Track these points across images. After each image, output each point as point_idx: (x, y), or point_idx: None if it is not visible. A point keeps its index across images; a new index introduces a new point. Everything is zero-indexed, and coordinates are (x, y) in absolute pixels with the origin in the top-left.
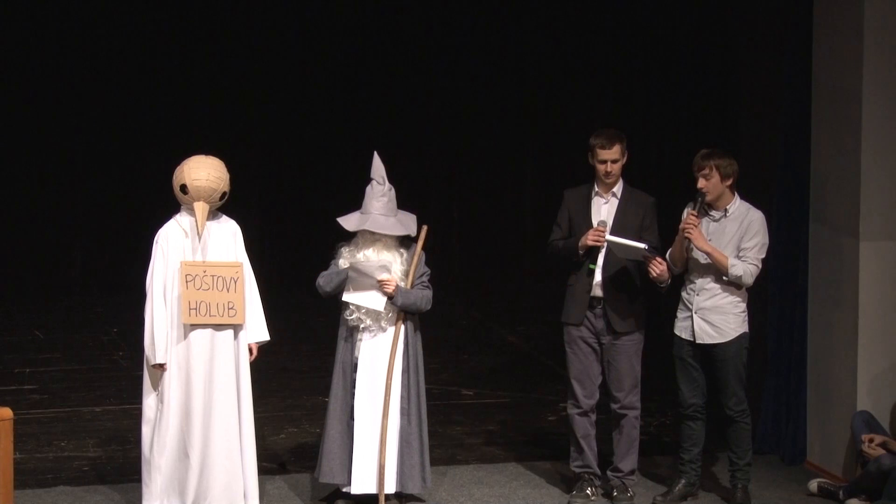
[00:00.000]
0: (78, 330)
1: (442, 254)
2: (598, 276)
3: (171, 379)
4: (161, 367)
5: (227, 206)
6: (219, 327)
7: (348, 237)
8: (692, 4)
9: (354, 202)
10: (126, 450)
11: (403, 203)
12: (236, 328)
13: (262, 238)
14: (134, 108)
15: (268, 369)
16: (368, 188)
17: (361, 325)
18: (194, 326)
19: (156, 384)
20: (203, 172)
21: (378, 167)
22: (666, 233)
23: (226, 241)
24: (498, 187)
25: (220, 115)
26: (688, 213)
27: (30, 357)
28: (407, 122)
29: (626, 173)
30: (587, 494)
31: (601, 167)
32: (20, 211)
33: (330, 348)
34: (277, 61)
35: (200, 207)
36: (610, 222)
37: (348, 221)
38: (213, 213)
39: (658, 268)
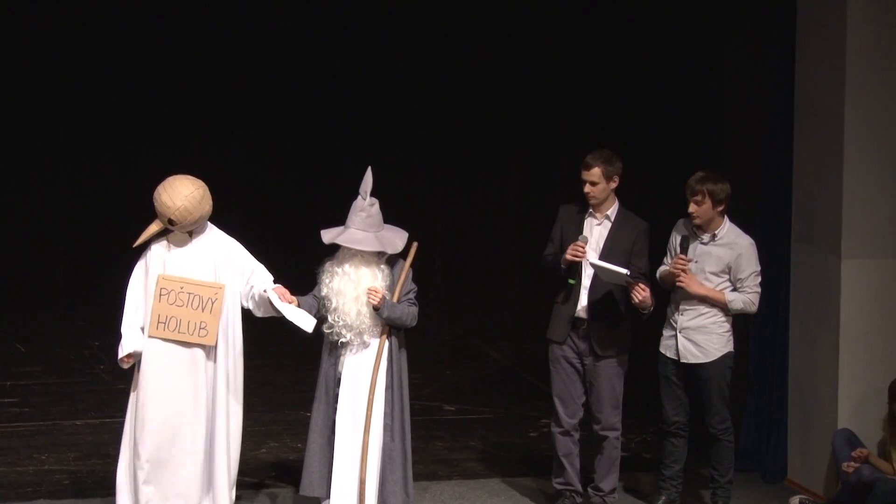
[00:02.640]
0: (59, 343)
1: (425, 269)
2: (583, 299)
3: (142, 390)
4: (129, 358)
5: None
6: (192, 345)
7: (333, 251)
8: (675, 22)
9: (343, 216)
10: (106, 463)
11: (388, 217)
12: (211, 349)
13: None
14: (117, 122)
15: (250, 384)
16: (354, 202)
17: (341, 341)
18: (166, 342)
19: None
20: (171, 201)
21: (366, 182)
22: (656, 251)
23: (213, 259)
24: (481, 202)
25: (207, 129)
26: (676, 258)
27: (11, 370)
28: (392, 137)
29: (619, 193)
30: None
31: (583, 188)
32: (2, 224)
33: (314, 363)
34: (265, 74)
35: (154, 224)
36: (601, 245)
37: (327, 234)
38: (200, 230)
39: (640, 294)
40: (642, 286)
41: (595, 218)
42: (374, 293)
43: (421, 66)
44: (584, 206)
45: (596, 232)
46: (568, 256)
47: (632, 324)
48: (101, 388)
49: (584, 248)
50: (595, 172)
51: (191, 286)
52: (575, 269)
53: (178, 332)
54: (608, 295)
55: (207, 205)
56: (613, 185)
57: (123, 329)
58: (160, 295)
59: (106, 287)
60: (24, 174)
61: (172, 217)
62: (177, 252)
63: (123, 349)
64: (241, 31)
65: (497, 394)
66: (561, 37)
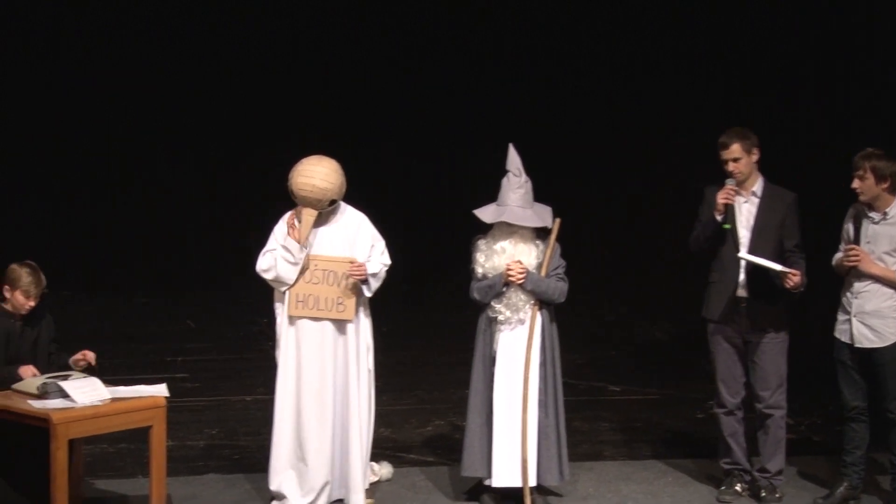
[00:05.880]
0: (228, 320)
1: (587, 249)
2: (741, 277)
3: (284, 371)
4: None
5: (362, 197)
6: (331, 322)
7: (485, 230)
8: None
9: (490, 195)
10: (272, 439)
11: (545, 196)
12: (347, 324)
13: (404, 233)
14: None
15: (415, 362)
16: (505, 180)
17: (498, 318)
18: (303, 320)
19: (288, 368)
20: (309, 182)
21: (514, 159)
22: (812, 226)
23: (344, 237)
24: (645, 179)
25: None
26: (847, 247)
27: (181, 346)
28: (545, 116)
29: (766, 170)
30: (736, 491)
31: (725, 166)
32: (179, 209)
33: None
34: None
35: (307, 214)
36: (751, 222)
37: (485, 213)
38: (332, 212)
39: (792, 280)
40: (793, 272)
41: (741, 195)
42: (514, 271)
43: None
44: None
45: (745, 209)
46: (720, 200)
47: (789, 301)
48: (269, 364)
49: (734, 190)
50: (735, 149)
51: (325, 262)
52: (730, 213)
53: (317, 309)
54: (766, 271)
55: (336, 190)
56: (755, 157)
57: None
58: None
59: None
60: (210, 158)
61: (336, 197)
62: (314, 230)
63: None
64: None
65: (662, 374)
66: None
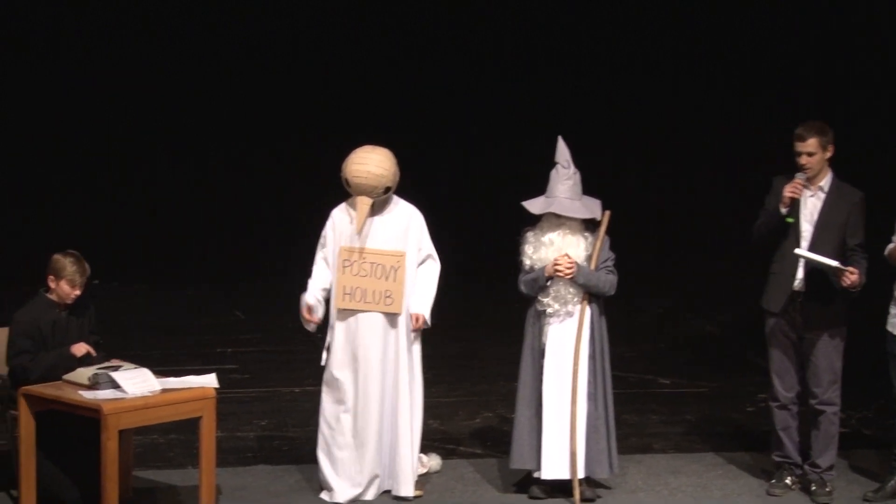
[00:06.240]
0: (277, 312)
1: (638, 241)
2: (801, 272)
3: (333, 362)
4: (308, 312)
5: (414, 191)
6: (379, 314)
7: (534, 222)
8: None
9: (539, 188)
10: (321, 431)
11: (596, 189)
12: (395, 317)
13: (453, 225)
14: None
15: (463, 354)
16: (553, 172)
17: (547, 311)
18: (352, 312)
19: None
20: (364, 168)
21: (562, 151)
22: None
23: (395, 229)
24: (700, 170)
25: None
26: None
27: (231, 338)
28: (594, 108)
29: (835, 165)
30: (787, 484)
31: (798, 159)
32: (230, 200)
33: (522, 334)
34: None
35: (361, 203)
36: (815, 217)
37: (533, 205)
38: (385, 202)
39: (849, 279)
40: (851, 270)
41: (809, 189)
42: (562, 266)
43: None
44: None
45: (810, 203)
46: (787, 193)
47: (848, 296)
48: (319, 355)
49: (802, 184)
50: (811, 143)
51: (372, 255)
52: (795, 207)
53: (364, 302)
54: (824, 268)
55: (391, 178)
56: (828, 154)
57: (310, 281)
58: (343, 266)
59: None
60: (240, 151)
61: (391, 184)
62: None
63: (302, 305)
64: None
65: (712, 368)
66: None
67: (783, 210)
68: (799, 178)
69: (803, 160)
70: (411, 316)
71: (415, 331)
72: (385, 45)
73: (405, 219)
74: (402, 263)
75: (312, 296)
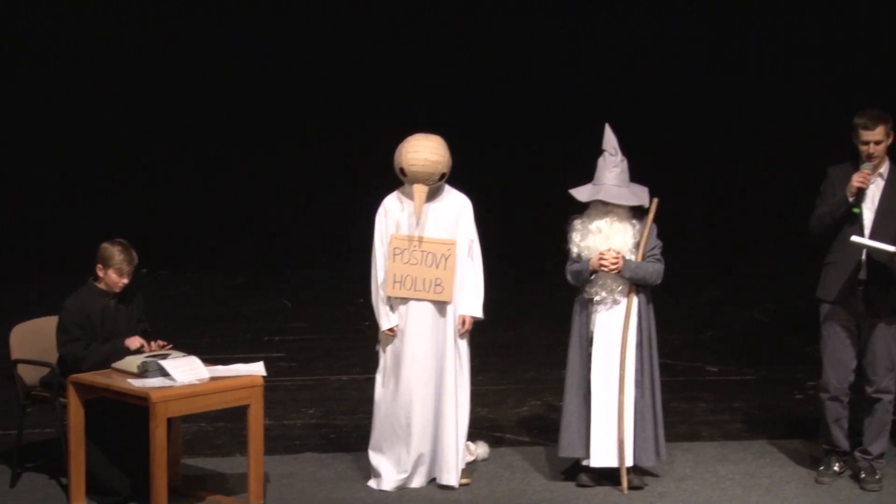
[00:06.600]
0: (323, 300)
1: (686, 229)
2: (863, 259)
3: (384, 349)
4: (391, 331)
5: (463, 179)
6: (429, 302)
7: (581, 210)
8: None
9: (586, 176)
10: (372, 418)
11: (643, 178)
12: (445, 305)
13: (501, 213)
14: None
15: (511, 343)
16: (601, 159)
17: (595, 299)
18: (403, 300)
19: (387, 349)
20: (420, 156)
21: (610, 138)
22: None
23: (447, 217)
24: (748, 158)
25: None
26: None
27: (278, 326)
28: (640, 97)
29: (893, 153)
30: (835, 471)
31: (864, 148)
32: (277, 190)
33: (569, 323)
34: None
35: (418, 191)
36: (876, 202)
37: (581, 193)
38: (438, 190)
39: None
40: None
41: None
42: (608, 261)
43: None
44: (853, 165)
45: (870, 191)
46: (855, 183)
47: None
48: (366, 344)
49: (870, 174)
50: (879, 131)
51: (423, 244)
52: (860, 198)
53: (415, 290)
54: (882, 255)
55: (446, 164)
56: (891, 140)
57: (374, 303)
58: (394, 255)
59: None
60: (277, 140)
61: (446, 171)
62: (411, 213)
63: (381, 322)
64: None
65: (760, 355)
66: None
67: (851, 200)
68: (866, 168)
69: (871, 149)
70: (458, 318)
71: (462, 336)
72: (432, 32)
73: (456, 207)
74: (452, 252)
75: (387, 321)
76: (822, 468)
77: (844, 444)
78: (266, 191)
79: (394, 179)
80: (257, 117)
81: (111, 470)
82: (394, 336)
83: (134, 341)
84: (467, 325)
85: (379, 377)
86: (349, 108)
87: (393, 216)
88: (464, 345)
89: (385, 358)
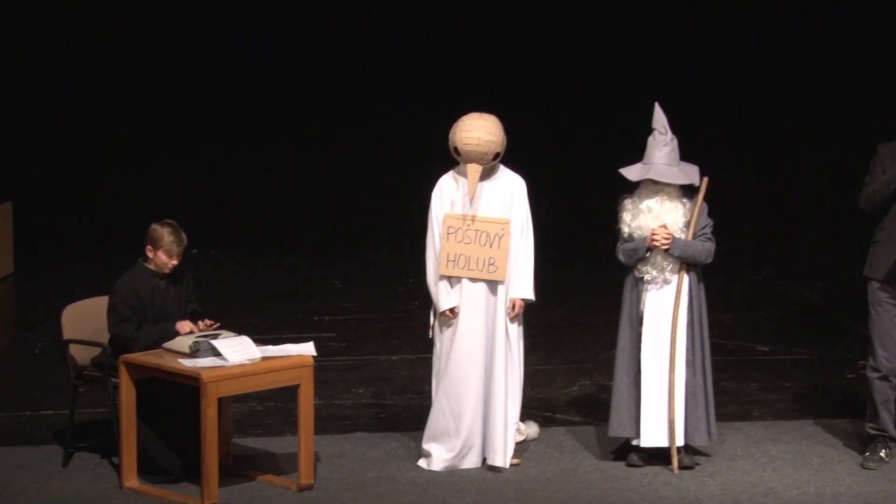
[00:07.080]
0: (374, 280)
1: (737, 208)
2: None
3: (436, 328)
4: (450, 312)
5: (515, 158)
6: (484, 282)
7: (632, 189)
8: None
9: (636, 155)
10: (422, 398)
11: (693, 156)
12: (498, 284)
13: (552, 193)
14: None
15: (561, 322)
16: (651, 138)
17: (645, 278)
18: (456, 279)
19: (443, 329)
20: (474, 135)
21: (659, 117)
22: None
23: (501, 197)
24: (799, 138)
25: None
26: None
27: (328, 306)
28: (692, 75)
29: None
30: (881, 457)
31: None
32: (326, 170)
33: (619, 303)
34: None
35: (472, 170)
36: None
37: (631, 172)
38: (492, 169)
39: None
40: None
41: None
42: (659, 237)
43: None
44: None
45: None
46: None
47: None
48: (416, 324)
49: None
50: None
51: (478, 223)
52: None
53: (468, 269)
54: None
55: (500, 143)
56: None
57: (436, 280)
58: (448, 233)
59: (409, 223)
60: (329, 122)
61: (500, 150)
62: (466, 192)
63: (441, 304)
64: None
65: (810, 334)
66: None
67: None
68: None
69: None
70: (509, 301)
71: (513, 320)
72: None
73: (510, 187)
74: (506, 231)
75: (447, 301)
76: (867, 454)
77: (891, 428)
78: (319, 172)
79: (442, 160)
80: (315, 100)
81: (163, 449)
82: (454, 317)
83: (184, 325)
84: (517, 309)
85: (435, 362)
86: (407, 90)
87: (448, 195)
88: (515, 326)
89: (441, 340)
